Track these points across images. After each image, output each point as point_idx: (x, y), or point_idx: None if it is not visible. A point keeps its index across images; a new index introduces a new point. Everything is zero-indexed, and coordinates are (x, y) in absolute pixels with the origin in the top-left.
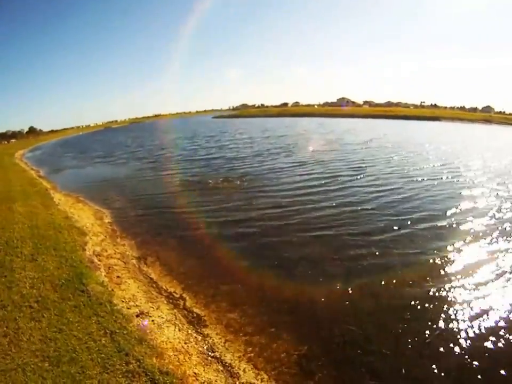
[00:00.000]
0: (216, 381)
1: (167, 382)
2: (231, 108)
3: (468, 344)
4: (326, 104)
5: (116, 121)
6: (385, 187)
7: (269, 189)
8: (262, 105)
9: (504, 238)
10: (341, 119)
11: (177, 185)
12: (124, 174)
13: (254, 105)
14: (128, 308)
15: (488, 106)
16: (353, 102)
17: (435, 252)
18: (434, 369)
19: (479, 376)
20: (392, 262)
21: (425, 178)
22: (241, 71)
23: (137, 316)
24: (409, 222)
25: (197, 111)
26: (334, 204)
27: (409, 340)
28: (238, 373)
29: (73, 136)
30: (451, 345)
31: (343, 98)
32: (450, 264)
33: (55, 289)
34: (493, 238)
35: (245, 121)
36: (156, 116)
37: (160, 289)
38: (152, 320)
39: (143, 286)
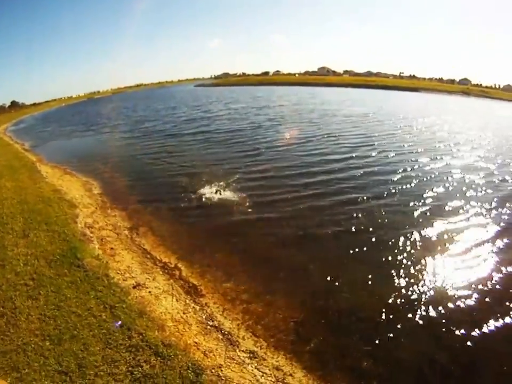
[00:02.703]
0: (217, 349)
1: (171, 354)
2: (213, 76)
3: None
4: (307, 73)
5: (99, 91)
6: None
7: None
8: (243, 73)
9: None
10: (324, 88)
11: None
12: (111, 145)
13: (236, 73)
14: (125, 280)
15: (466, 79)
16: (333, 72)
17: None
18: (426, 337)
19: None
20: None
21: None
22: (223, 41)
23: (134, 288)
24: None
25: (178, 80)
26: None
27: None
28: (237, 340)
29: (56, 109)
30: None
31: (323, 67)
32: None
33: (50, 265)
34: None
35: (230, 90)
36: (138, 85)
37: (154, 259)
38: (149, 291)
39: (137, 257)
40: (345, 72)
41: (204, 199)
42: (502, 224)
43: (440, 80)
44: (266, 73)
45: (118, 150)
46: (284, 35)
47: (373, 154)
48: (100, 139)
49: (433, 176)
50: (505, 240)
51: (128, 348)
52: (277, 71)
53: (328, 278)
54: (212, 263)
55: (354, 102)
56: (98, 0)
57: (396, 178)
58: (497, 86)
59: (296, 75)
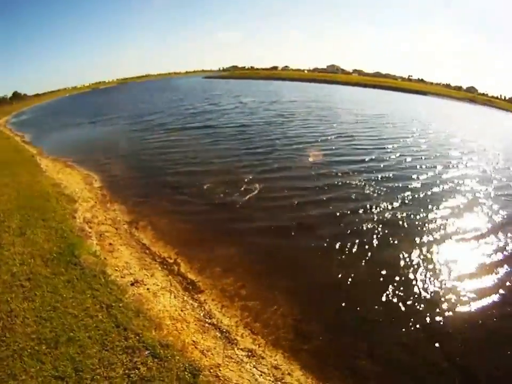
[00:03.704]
0: (215, 348)
1: (168, 355)
2: (221, 69)
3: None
4: (316, 70)
5: (104, 82)
6: None
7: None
8: (252, 67)
9: None
10: (335, 85)
11: (168, 146)
12: (114, 138)
13: (244, 67)
14: (123, 277)
15: (472, 87)
16: (342, 70)
17: None
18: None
19: None
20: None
21: None
22: (233, 34)
23: (132, 285)
24: None
25: (186, 72)
26: None
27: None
28: (235, 339)
29: (59, 99)
30: None
31: (333, 65)
32: None
33: (46, 264)
34: None
35: (238, 83)
36: (145, 76)
37: (153, 255)
38: (148, 288)
39: (136, 252)
40: (354, 71)
41: (205, 195)
42: None
43: (448, 86)
44: (275, 67)
45: (121, 142)
46: (295, 30)
47: (392, 157)
48: (102, 131)
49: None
50: None
51: (124, 349)
52: (286, 66)
53: (330, 275)
54: (211, 259)
55: (366, 102)
56: None
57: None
58: (502, 97)
59: (305, 71)
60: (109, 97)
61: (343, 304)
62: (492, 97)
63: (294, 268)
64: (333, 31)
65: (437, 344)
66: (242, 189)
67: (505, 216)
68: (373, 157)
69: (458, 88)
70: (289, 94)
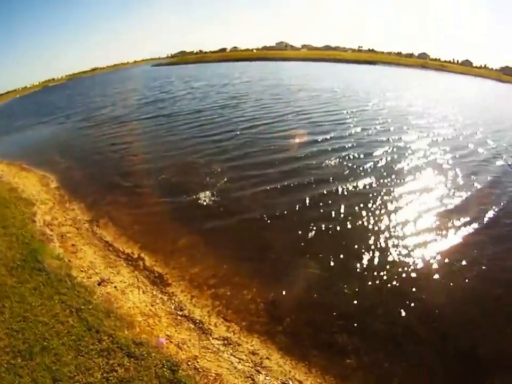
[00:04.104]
0: (190, 340)
1: (144, 353)
2: (170, 55)
3: None
4: (265, 48)
5: (53, 79)
6: None
7: None
8: (200, 51)
9: None
10: (284, 62)
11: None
12: (66, 136)
13: (192, 51)
14: (89, 277)
15: (424, 53)
16: (291, 46)
17: None
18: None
19: None
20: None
21: None
22: (178, 18)
23: (99, 285)
24: None
25: (135, 61)
26: None
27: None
28: (209, 328)
29: (8, 101)
30: None
31: (281, 42)
32: None
33: (11, 273)
34: None
35: (188, 68)
36: (94, 69)
37: (117, 251)
38: (115, 287)
39: (100, 250)
40: (304, 46)
41: (164, 187)
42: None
43: (399, 54)
44: (223, 49)
45: (75, 140)
46: (242, 9)
47: (353, 132)
48: (55, 130)
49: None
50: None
51: (100, 352)
52: (235, 47)
53: (296, 255)
54: (175, 250)
55: (317, 77)
56: None
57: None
58: (455, 61)
59: (254, 50)
60: (59, 94)
61: (314, 282)
62: (445, 61)
63: (261, 252)
64: (281, 8)
65: (412, 311)
66: (201, 178)
67: (471, 182)
68: (335, 134)
69: (410, 56)
70: (241, 75)
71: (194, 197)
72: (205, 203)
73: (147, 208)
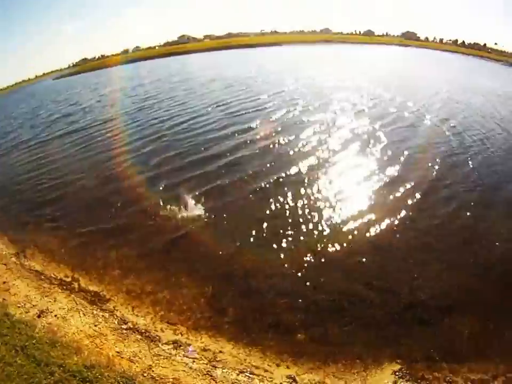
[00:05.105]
0: (141, 351)
1: (97, 374)
2: (72, 65)
3: None
4: (167, 44)
5: None
6: None
7: None
8: (102, 55)
9: None
10: (190, 55)
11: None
12: None
13: (94, 57)
14: (27, 312)
15: (327, 28)
16: (194, 38)
17: None
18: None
19: None
20: None
21: None
22: (78, 24)
23: (38, 317)
24: None
25: (36, 76)
26: None
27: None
28: (157, 335)
29: None
30: None
31: (183, 35)
32: None
33: None
34: None
35: (92, 75)
36: None
37: (50, 279)
38: (55, 315)
39: (32, 282)
40: (206, 36)
41: (85, 205)
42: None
43: (302, 32)
44: (126, 51)
45: None
46: (138, 8)
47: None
48: None
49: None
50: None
51: None
52: (137, 46)
53: (225, 245)
54: (106, 264)
55: (226, 65)
56: None
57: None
58: (357, 32)
59: (156, 48)
60: None
61: (247, 269)
62: (347, 34)
63: (188, 251)
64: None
65: (352, 276)
66: (121, 191)
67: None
68: (260, 121)
69: (313, 32)
70: (149, 74)
71: (116, 210)
72: (127, 214)
73: (71, 229)
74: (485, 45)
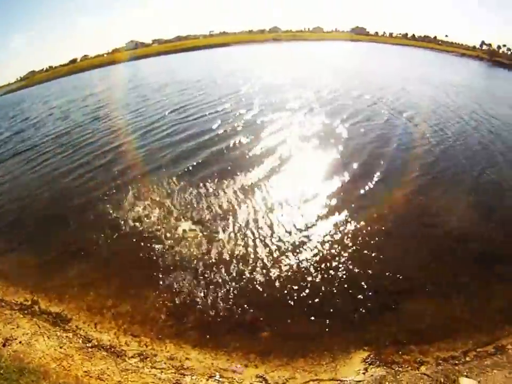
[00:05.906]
0: (108, 368)
1: None
2: (19, 79)
3: None
4: (116, 51)
5: None
6: None
7: None
8: (50, 67)
9: None
10: (139, 60)
11: None
12: None
13: (42, 69)
14: None
15: (276, 27)
16: (142, 43)
17: None
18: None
19: None
20: None
21: None
22: (25, 36)
23: (3, 346)
24: None
25: None
26: None
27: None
28: (122, 350)
29: None
30: None
31: (132, 41)
32: None
33: None
34: None
35: (43, 87)
36: None
37: (10, 305)
38: (20, 342)
39: None
40: (154, 41)
41: (40, 224)
42: None
43: (250, 32)
44: (74, 60)
45: None
46: (88, 17)
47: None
48: None
49: None
50: None
51: None
52: (85, 55)
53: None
54: (64, 283)
55: (176, 69)
56: None
57: None
58: (306, 29)
59: (105, 55)
60: None
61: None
62: (296, 31)
63: (148, 259)
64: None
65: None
66: (75, 206)
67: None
68: (222, 123)
69: (262, 31)
70: (100, 83)
71: (69, 227)
72: (79, 228)
73: (26, 250)
74: (435, 37)
